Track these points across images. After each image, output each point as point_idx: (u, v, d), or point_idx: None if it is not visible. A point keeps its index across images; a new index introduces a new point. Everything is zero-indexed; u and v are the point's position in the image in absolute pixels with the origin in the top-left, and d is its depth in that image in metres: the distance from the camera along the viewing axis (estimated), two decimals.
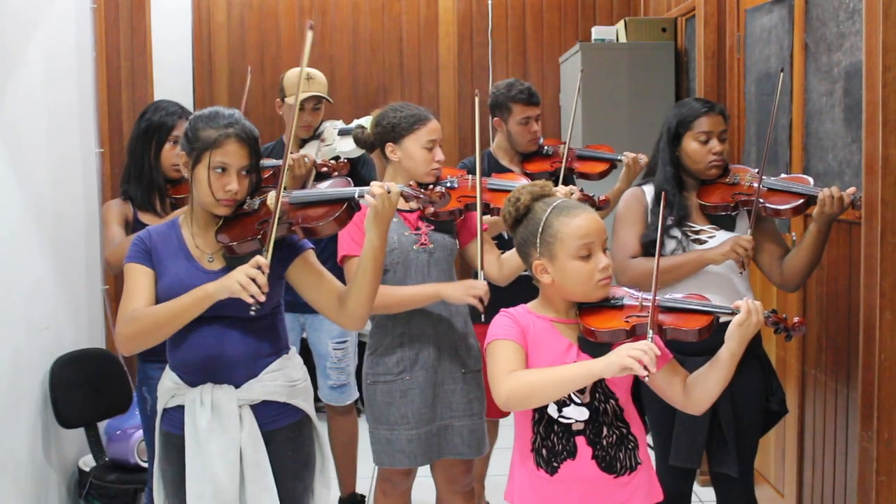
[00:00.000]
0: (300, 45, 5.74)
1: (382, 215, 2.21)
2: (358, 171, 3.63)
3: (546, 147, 3.61)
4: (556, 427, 2.06)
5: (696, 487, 3.35)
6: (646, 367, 1.83)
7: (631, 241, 2.79)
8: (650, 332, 1.95)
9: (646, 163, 3.36)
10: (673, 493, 2.79)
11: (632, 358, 1.84)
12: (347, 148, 3.57)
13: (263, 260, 2.12)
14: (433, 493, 3.00)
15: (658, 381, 2.10)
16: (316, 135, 3.80)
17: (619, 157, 3.48)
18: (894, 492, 2.41)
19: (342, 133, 3.69)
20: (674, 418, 2.68)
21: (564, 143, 3.51)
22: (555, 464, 2.06)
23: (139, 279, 2.26)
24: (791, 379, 3.44)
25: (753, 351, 2.72)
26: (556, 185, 2.84)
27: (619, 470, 2.07)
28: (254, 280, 2.08)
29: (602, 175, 3.52)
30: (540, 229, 2.05)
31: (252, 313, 2.12)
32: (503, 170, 3.51)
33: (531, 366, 2.03)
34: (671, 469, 2.76)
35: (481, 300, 2.58)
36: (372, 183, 2.22)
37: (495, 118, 3.62)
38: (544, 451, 2.07)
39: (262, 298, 2.09)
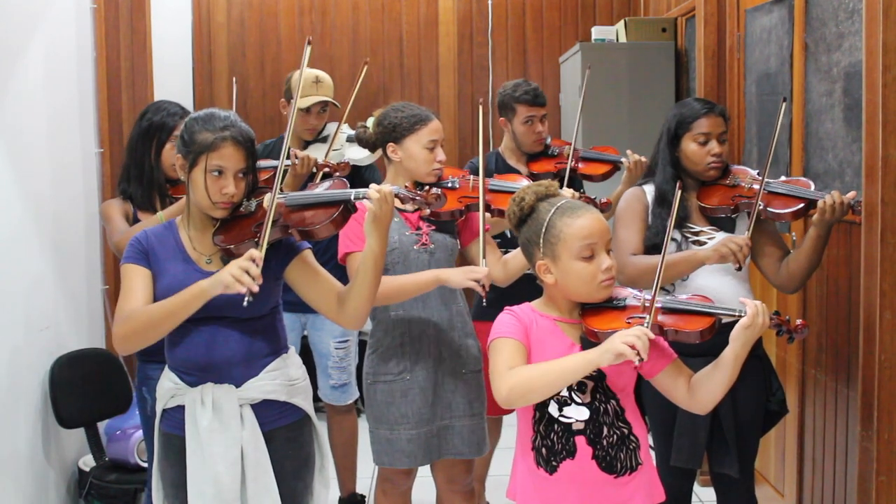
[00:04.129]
0: (300, 47, 5.74)
1: (381, 219, 2.21)
2: (362, 175, 3.63)
3: (553, 147, 3.62)
4: (556, 426, 2.07)
5: (696, 487, 3.35)
6: (639, 353, 1.84)
7: (631, 240, 2.79)
8: (647, 318, 1.94)
9: (646, 164, 3.36)
10: (673, 493, 2.79)
11: (625, 344, 1.85)
12: (357, 156, 3.57)
13: (257, 252, 2.12)
14: (433, 493, 3.01)
15: (662, 381, 2.11)
16: (320, 137, 3.79)
17: (621, 159, 3.48)
18: (894, 492, 2.41)
19: (351, 140, 3.69)
20: (674, 419, 2.68)
21: (570, 144, 3.53)
22: (554, 463, 2.06)
23: (136, 279, 2.25)
24: (791, 379, 3.44)
25: (754, 351, 2.71)
26: (561, 186, 2.84)
27: (620, 470, 2.07)
28: (247, 272, 2.08)
29: (605, 176, 3.53)
30: (543, 229, 2.06)
31: (245, 305, 2.10)
32: (510, 170, 3.54)
33: (533, 364, 2.03)
34: (672, 469, 2.75)
35: (483, 286, 2.57)
36: (370, 186, 2.22)
37: (501, 118, 3.65)
38: (544, 450, 2.07)
39: (256, 289, 2.08)
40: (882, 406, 2.40)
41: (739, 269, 2.61)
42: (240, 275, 2.08)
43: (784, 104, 2.78)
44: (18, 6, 3.42)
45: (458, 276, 2.61)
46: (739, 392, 2.64)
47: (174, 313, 2.18)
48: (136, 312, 2.19)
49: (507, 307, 2.14)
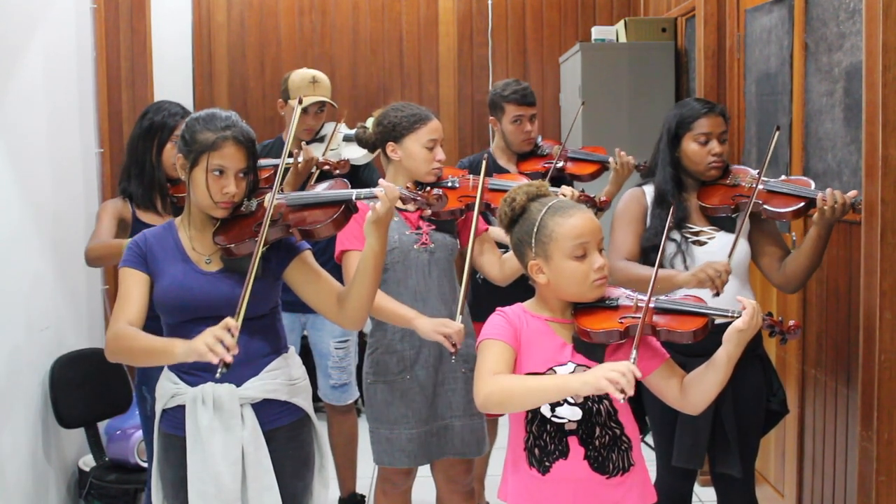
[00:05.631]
0: (300, 47, 5.74)
1: (383, 219, 2.20)
2: (360, 174, 3.63)
3: (543, 147, 3.62)
4: (548, 427, 2.06)
5: (696, 488, 3.35)
6: (622, 391, 1.80)
7: (625, 242, 2.78)
8: (634, 352, 1.92)
9: (633, 165, 3.37)
10: (674, 493, 2.79)
11: (608, 381, 1.82)
12: (354, 155, 3.57)
13: (233, 321, 2.06)
14: (433, 493, 3.01)
15: (654, 381, 2.10)
16: (318, 137, 3.79)
17: (609, 159, 3.48)
18: (894, 492, 2.41)
19: (347, 139, 3.69)
20: (675, 419, 2.68)
21: (561, 144, 3.53)
22: (547, 463, 2.06)
23: (132, 285, 2.25)
24: (791, 379, 3.44)
25: (755, 350, 2.71)
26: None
27: (612, 471, 2.06)
28: (221, 341, 2.02)
29: (593, 176, 3.53)
30: (535, 229, 2.05)
31: (218, 376, 2.05)
32: (500, 170, 3.53)
33: (523, 364, 2.03)
34: (672, 470, 2.75)
35: (453, 343, 2.55)
36: (380, 181, 2.21)
37: (491, 118, 3.65)
38: (537, 451, 2.07)
39: (229, 359, 2.02)
40: (882, 406, 2.41)
41: (717, 295, 2.52)
42: (213, 344, 2.02)
43: (777, 133, 2.76)
44: (18, 6, 3.42)
45: (428, 327, 2.59)
46: (740, 392, 2.64)
47: (149, 356, 2.18)
48: (123, 335, 2.18)
49: (498, 308, 2.13)
